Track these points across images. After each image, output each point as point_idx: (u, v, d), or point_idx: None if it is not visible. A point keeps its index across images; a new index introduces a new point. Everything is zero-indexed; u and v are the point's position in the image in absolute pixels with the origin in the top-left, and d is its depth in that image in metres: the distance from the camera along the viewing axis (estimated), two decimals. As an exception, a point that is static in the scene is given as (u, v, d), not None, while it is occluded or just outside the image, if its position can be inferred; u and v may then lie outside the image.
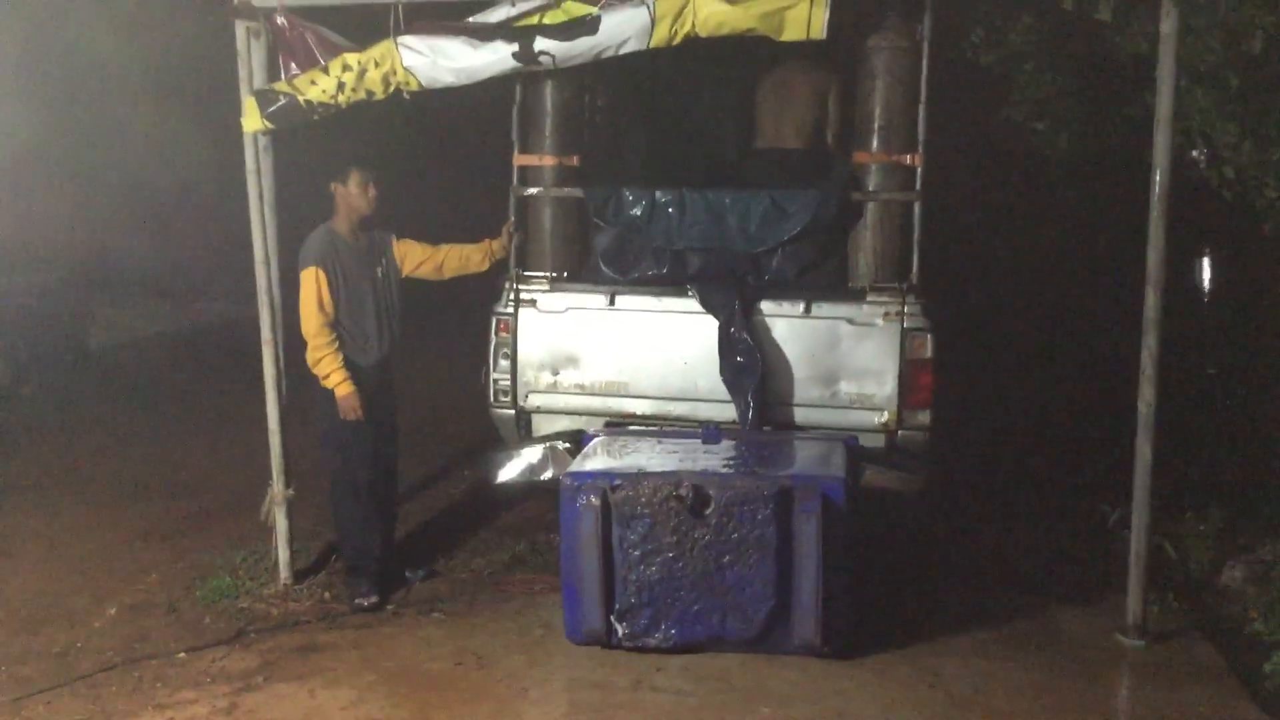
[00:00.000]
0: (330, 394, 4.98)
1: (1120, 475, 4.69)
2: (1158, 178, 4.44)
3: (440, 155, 9.24)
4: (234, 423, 7.75)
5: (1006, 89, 6.16)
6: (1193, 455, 6.31)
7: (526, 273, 5.34)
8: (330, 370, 4.95)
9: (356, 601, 5.07)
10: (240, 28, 4.93)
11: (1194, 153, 5.56)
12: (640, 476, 4.47)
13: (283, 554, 5.28)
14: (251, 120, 4.93)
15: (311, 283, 4.94)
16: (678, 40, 4.67)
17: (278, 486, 5.25)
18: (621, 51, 4.73)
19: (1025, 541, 5.84)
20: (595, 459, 4.77)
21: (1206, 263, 12.30)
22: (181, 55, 9.36)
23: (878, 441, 5.07)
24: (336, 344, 4.97)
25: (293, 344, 5.14)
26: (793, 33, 4.61)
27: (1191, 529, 5.60)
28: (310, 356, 4.99)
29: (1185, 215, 6.47)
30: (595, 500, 4.43)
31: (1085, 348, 7.18)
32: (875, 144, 5.09)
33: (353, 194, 5.05)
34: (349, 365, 5.00)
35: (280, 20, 4.89)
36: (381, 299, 5.17)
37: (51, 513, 6.38)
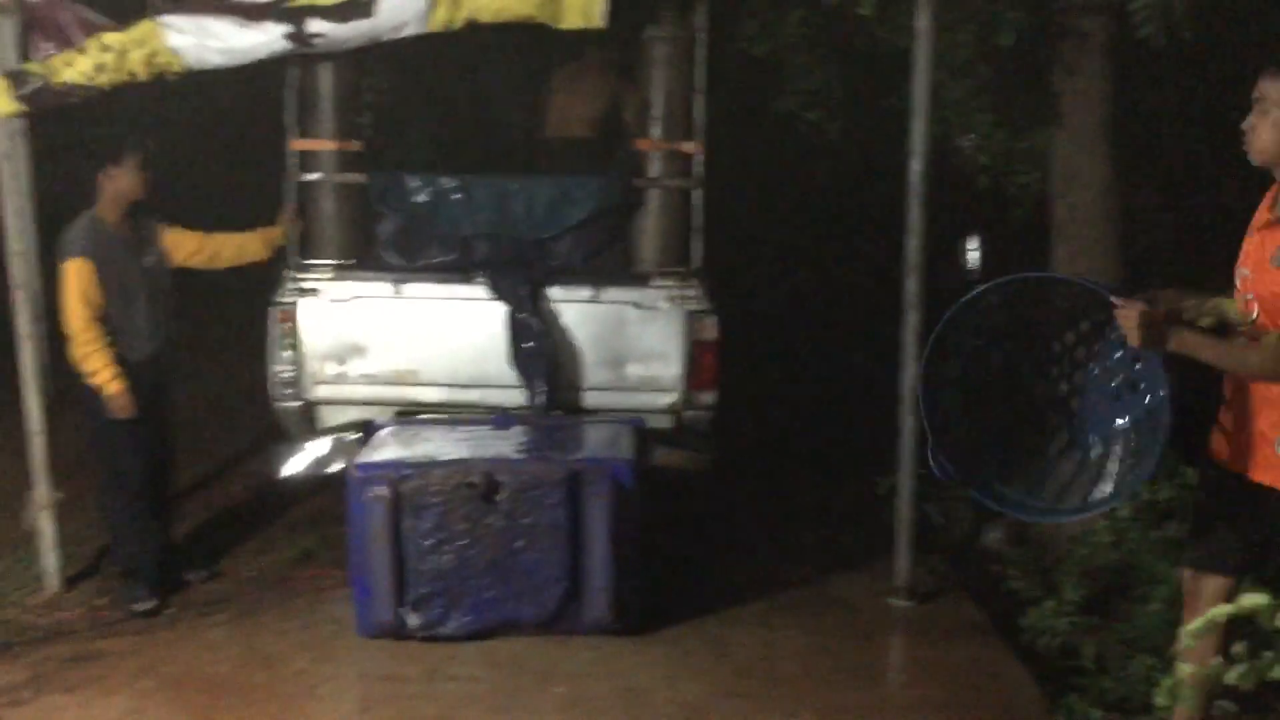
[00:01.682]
0: (98, 392, 4.74)
1: (891, 447, 4.95)
2: (915, 166, 4.69)
3: (212, 138, 8.85)
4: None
5: (780, 80, 6.39)
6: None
7: (308, 261, 5.20)
8: (98, 367, 4.70)
9: (133, 606, 4.86)
10: (-14, 4, 4.62)
11: (964, 141, 5.91)
12: (430, 465, 4.44)
13: (49, 561, 5.00)
14: (2, 103, 4.62)
15: (74, 276, 4.67)
16: (457, 25, 4.64)
17: (42, 490, 4.96)
18: (399, 35, 4.68)
19: (805, 513, 6.09)
20: (384, 449, 4.71)
21: (973, 245, 12.97)
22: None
23: (666, 422, 5.20)
24: (104, 339, 4.73)
25: (59, 337, 4.85)
26: (572, 20, 4.65)
27: (955, 495, 5.96)
28: (76, 353, 4.73)
29: (956, 201, 6.88)
30: (384, 491, 4.37)
31: (860, 326, 7.52)
32: (655, 132, 5.19)
33: (127, 177, 4.78)
34: (118, 362, 4.77)
35: (32, -4, 4.61)
36: (152, 291, 4.93)
37: None
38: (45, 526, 4.98)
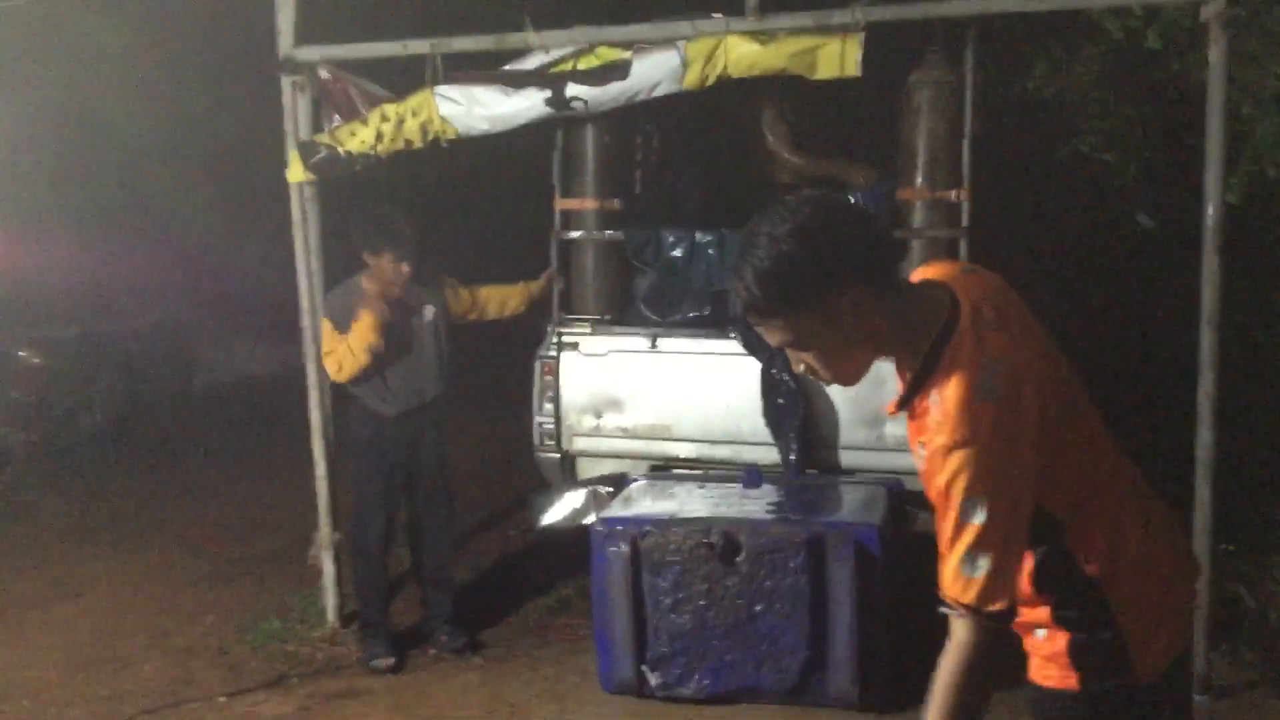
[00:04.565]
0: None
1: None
2: (1210, 211, 4.20)
3: (480, 197, 9.29)
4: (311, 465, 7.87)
5: (1070, 121, 5.97)
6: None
7: (569, 316, 5.31)
8: (344, 342, 4.81)
9: (372, 664, 4.92)
10: (286, 82, 5.04)
11: None
12: (670, 523, 4.39)
13: (330, 598, 5.32)
14: (295, 171, 5.04)
15: (327, 335, 4.91)
16: (710, 82, 4.63)
17: (324, 531, 5.30)
18: (654, 95, 4.72)
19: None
20: (630, 504, 4.71)
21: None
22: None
23: (927, 486, 4.89)
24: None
25: (340, 388, 5.14)
26: (826, 71, 4.52)
27: (1274, 575, 5.27)
28: (330, 369, 4.93)
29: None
30: (625, 547, 4.37)
31: (1153, 386, 6.82)
32: (919, 180, 4.94)
33: (385, 270, 4.82)
34: (370, 415, 4.95)
35: (324, 74, 4.99)
36: (419, 349, 5.00)
37: (124, 555, 6.54)
38: (326, 565, 5.31)
